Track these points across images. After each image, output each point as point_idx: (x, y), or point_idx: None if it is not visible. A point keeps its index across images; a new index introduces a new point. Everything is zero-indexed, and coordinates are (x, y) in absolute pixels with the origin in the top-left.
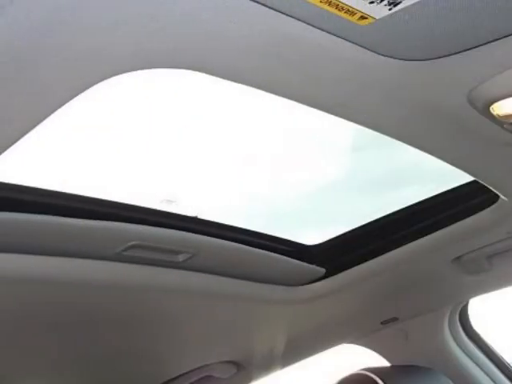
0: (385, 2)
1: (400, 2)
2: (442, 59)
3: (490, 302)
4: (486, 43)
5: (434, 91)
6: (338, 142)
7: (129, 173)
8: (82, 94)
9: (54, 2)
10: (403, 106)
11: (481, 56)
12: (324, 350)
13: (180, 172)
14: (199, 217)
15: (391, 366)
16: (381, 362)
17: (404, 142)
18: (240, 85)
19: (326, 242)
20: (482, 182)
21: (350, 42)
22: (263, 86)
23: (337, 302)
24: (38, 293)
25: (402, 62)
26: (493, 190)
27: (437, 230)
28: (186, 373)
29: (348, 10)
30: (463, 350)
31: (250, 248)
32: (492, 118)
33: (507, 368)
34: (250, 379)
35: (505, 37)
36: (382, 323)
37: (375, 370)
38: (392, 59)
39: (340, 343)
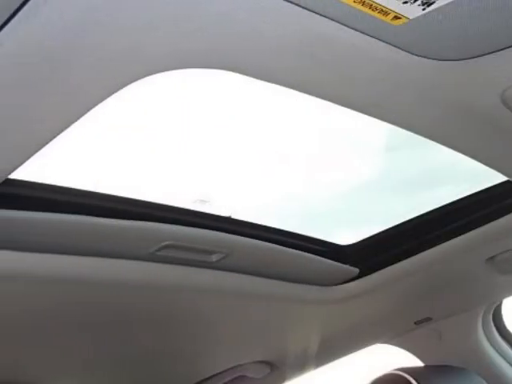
0: (418, 2)
1: (434, 2)
2: (475, 59)
3: None
4: None
5: (467, 91)
6: (371, 142)
7: (162, 173)
8: (116, 94)
9: (88, 2)
10: (437, 105)
11: None
12: (357, 350)
13: (213, 172)
14: (233, 217)
15: (425, 366)
16: (414, 362)
17: (437, 141)
18: (274, 85)
19: (359, 241)
20: None
21: (383, 41)
22: (297, 86)
23: (370, 301)
24: (72, 293)
25: (435, 61)
26: None
27: (470, 230)
28: (220, 373)
29: (382, 9)
30: (497, 350)
31: (284, 248)
32: None
33: None
34: (284, 379)
35: None
36: (415, 323)
37: (409, 370)
38: (426, 59)
39: (373, 343)
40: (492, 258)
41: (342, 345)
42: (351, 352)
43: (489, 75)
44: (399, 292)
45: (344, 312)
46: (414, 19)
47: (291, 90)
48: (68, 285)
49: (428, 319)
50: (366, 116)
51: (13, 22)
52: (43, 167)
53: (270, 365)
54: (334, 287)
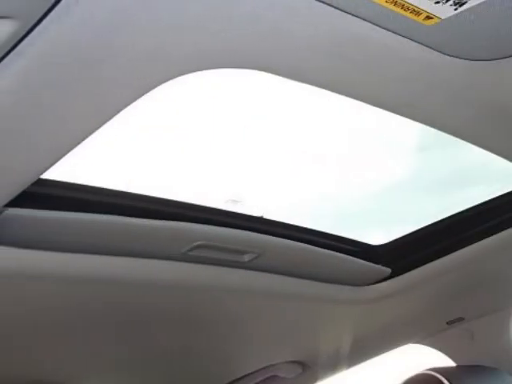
0: (450, 2)
1: (466, 2)
2: (507, 59)
3: None
4: None
5: (499, 91)
6: (403, 142)
7: (194, 173)
8: (148, 94)
9: (119, 3)
10: (469, 105)
11: None
12: (389, 350)
13: (245, 172)
14: (265, 217)
15: (457, 366)
16: (446, 362)
17: (470, 141)
18: (306, 85)
19: (391, 241)
20: None
21: (415, 41)
22: (329, 86)
23: (402, 302)
24: (104, 293)
25: (467, 61)
26: None
27: (503, 229)
28: (252, 373)
29: (414, 9)
30: None
31: (316, 248)
32: None
33: None
34: (316, 379)
35: None
36: (447, 323)
37: (441, 370)
38: (458, 59)
39: (405, 343)
40: None
41: (374, 345)
42: (383, 352)
43: None
44: (431, 292)
45: (376, 312)
46: (445, 19)
47: (323, 90)
48: (100, 285)
49: (460, 319)
50: (398, 116)
51: (44, 22)
52: (75, 167)
53: (302, 365)
54: (365, 287)
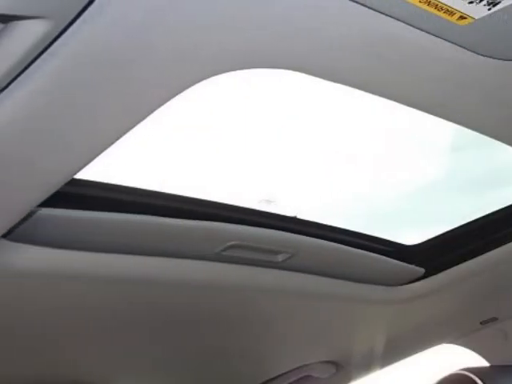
0: (484, 2)
1: (499, 2)
2: None
3: None
4: None
5: None
6: (437, 142)
7: (228, 173)
8: (182, 94)
9: (151, 2)
10: (502, 105)
11: None
12: (423, 350)
13: (279, 172)
14: (298, 217)
15: (490, 366)
16: (480, 362)
17: (503, 141)
18: (339, 84)
19: (425, 241)
20: None
21: (449, 41)
22: (362, 86)
23: (436, 302)
24: (138, 293)
25: (501, 61)
26: None
27: None
28: (285, 373)
29: (447, 9)
30: None
31: (349, 248)
32: None
33: None
34: (349, 379)
35: None
36: (481, 323)
37: (474, 370)
38: (491, 59)
39: (439, 343)
40: None
41: (408, 345)
42: (417, 352)
43: None
44: (465, 292)
45: (409, 312)
46: (479, 19)
47: (357, 90)
48: (134, 285)
49: (494, 319)
50: (431, 116)
51: (77, 22)
52: (109, 167)
53: (336, 365)
54: (399, 287)
